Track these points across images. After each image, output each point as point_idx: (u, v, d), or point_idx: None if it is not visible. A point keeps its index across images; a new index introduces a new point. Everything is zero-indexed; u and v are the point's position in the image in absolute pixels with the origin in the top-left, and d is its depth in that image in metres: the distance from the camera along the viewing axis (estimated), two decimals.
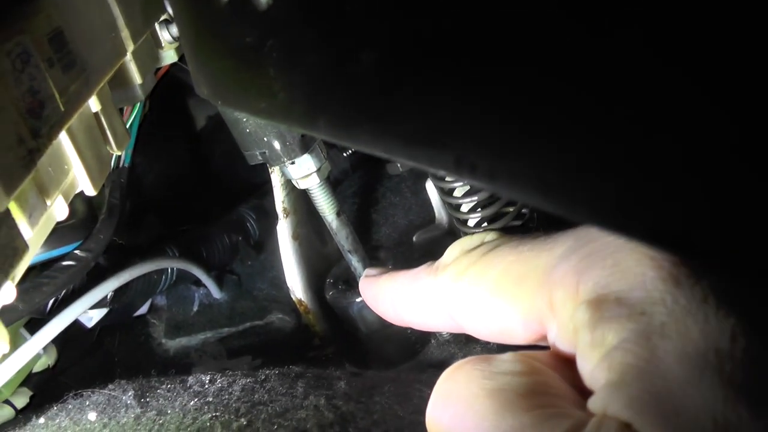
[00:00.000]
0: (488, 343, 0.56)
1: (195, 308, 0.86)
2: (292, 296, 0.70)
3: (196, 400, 0.51)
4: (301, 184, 0.60)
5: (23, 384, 0.71)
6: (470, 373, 0.30)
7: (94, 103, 0.48)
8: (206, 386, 0.53)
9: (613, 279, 0.26)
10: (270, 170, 0.66)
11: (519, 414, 0.26)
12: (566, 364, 0.30)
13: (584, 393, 0.27)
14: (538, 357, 0.30)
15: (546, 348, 0.32)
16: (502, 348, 0.37)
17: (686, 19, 0.19)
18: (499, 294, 0.32)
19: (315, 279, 0.72)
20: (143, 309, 0.86)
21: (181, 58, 0.63)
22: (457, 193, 0.53)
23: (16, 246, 0.35)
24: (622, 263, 0.27)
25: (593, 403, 0.25)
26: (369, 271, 0.45)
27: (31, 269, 0.63)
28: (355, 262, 0.64)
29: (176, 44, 0.62)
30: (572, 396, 0.28)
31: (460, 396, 0.29)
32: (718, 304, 0.23)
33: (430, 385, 0.51)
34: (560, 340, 0.29)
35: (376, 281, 0.43)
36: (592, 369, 0.26)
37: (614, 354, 0.25)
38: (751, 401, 0.21)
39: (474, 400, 0.28)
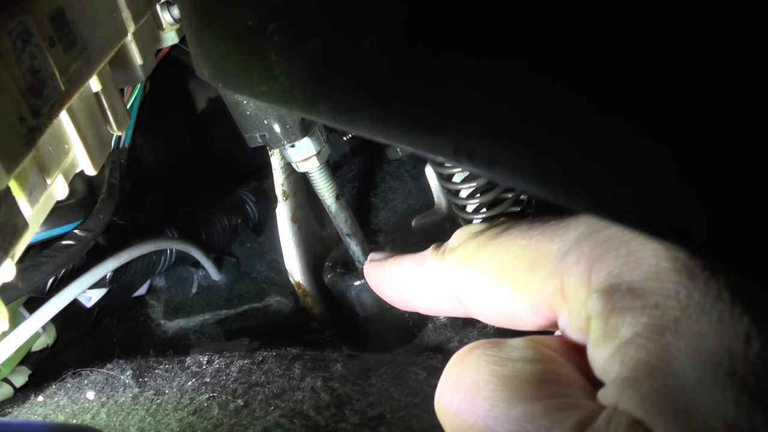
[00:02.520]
0: (485, 327, 0.56)
1: (194, 290, 0.86)
2: (290, 279, 0.71)
3: (193, 380, 0.51)
4: (301, 168, 0.60)
5: (22, 363, 0.72)
6: (480, 358, 0.29)
7: (94, 83, 0.48)
8: (204, 367, 0.53)
9: (626, 268, 0.26)
10: (270, 153, 0.66)
11: (529, 403, 0.26)
12: (575, 351, 0.29)
13: (593, 380, 0.27)
14: (548, 343, 0.30)
15: (551, 333, 0.32)
16: (500, 332, 0.37)
17: (681, 24, 0.19)
18: (510, 278, 0.32)
19: (313, 262, 0.72)
20: (142, 290, 0.86)
21: (182, 39, 0.63)
22: (456, 178, 0.53)
23: (15, 224, 0.35)
24: (637, 252, 0.26)
25: (604, 396, 0.25)
26: (374, 255, 0.45)
27: (30, 248, 0.63)
28: (353, 245, 0.65)
29: (177, 26, 0.62)
30: (582, 385, 0.28)
31: (470, 381, 0.29)
32: (733, 300, 0.23)
33: (426, 367, 0.52)
34: (570, 327, 0.29)
35: (381, 265, 0.42)
36: (603, 361, 0.26)
37: (627, 348, 0.24)
38: (763, 406, 0.21)
39: (484, 386, 0.28)
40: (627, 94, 0.20)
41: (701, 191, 0.20)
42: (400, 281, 0.41)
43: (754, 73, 0.18)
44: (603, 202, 0.21)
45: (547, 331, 0.32)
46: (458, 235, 0.37)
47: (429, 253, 0.38)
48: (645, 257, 0.26)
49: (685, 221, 0.20)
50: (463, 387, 0.29)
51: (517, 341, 0.30)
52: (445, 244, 0.38)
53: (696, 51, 0.19)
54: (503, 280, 0.32)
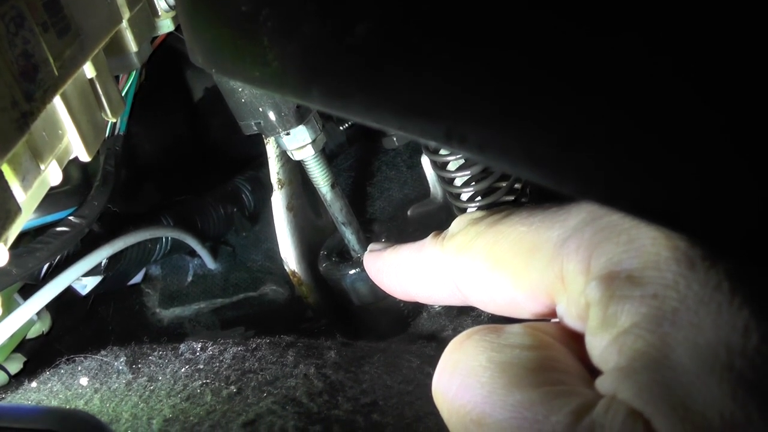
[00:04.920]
0: (479, 315, 0.56)
1: (189, 278, 0.86)
2: (285, 268, 0.71)
3: (187, 367, 0.52)
4: (296, 156, 0.60)
5: (17, 350, 0.72)
6: (478, 344, 0.29)
7: (89, 69, 0.48)
8: (197, 354, 0.53)
9: (626, 256, 0.26)
10: (265, 141, 0.66)
11: (527, 390, 0.26)
12: (573, 338, 0.29)
13: (590, 368, 0.27)
14: (546, 329, 0.30)
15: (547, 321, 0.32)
16: (495, 320, 0.37)
17: (669, 8, 0.19)
18: (509, 265, 0.32)
19: (309, 251, 0.72)
20: (137, 278, 0.86)
21: (178, 27, 0.63)
22: (451, 167, 0.53)
23: (8, 208, 0.35)
24: (637, 240, 0.26)
25: (602, 384, 0.25)
26: (373, 246, 0.44)
27: (24, 235, 0.63)
28: (348, 234, 0.65)
29: (173, 13, 0.61)
30: (580, 372, 0.28)
31: (467, 367, 0.29)
32: (732, 291, 0.23)
33: (420, 355, 0.52)
34: (569, 314, 0.29)
35: (380, 255, 0.42)
36: (602, 349, 0.26)
37: (625, 338, 0.24)
38: (760, 400, 0.21)
39: (482, 373, 0.28)
40: (617, 78, 0.20)
41: (696, 173, 0.20)
42: (399, 270, 0.40)
43: (749, 52, 0.18)
44: (594, 185, 0.21)
45: (544, 319, 0.32)
46: (458, 222, 0.37)
47: (428, 240, 0.38)
48: (645, 245, 0.26)
49: (678, 204, 0.20)
50: (461, 373, 0.29)
51: (515, 327, 0.30)
52: (444, 231, 0.38)
53: (685, 32, 0.19)
54: (502, 266, 0.32)
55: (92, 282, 0.77)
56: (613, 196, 0.21)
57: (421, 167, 0.75)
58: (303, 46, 0.29)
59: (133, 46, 0.56)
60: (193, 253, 0.86)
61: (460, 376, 0.29)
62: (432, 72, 0.25)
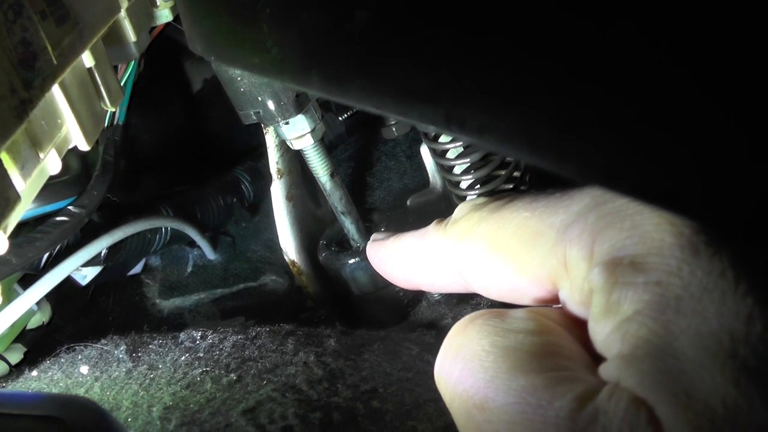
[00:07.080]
0: (479, 304, 0.56)
1: (189, 269, 0.86)
2: (285, 257, 0.71)
3: (187, 355, 0.52)
4: (295, 145, 0.60)
5: (17, 340, 0.72)
6: (482, 329, 0.29)
7: (87, 59, 0.48)
8: (197, 342, 0.53)
9: (630, 242, 0.26)
10: (264, 131, 0.66)
11: (531, 375, 0.26)
12: (576, 324, 0.29)
13: (593, 354, 0.27)
14: (549, 315, 0.30)
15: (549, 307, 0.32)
16: (495, 307, 0.37)
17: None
18: (511, 250, 0.32)
19: (308, 240, 0.72)
20: (137, 268, 0.86)
21: (177, 17, 0.63)
22: (450, 154, 0.53)
23: (7, 196, 0.35)
24: (641, 226, 0.26)
25: (605, 371, 0.25)
26: (376, 235, 0.44)
27: (24, 225, 0.63)
28: (348, 223, 0.65)
29: (171, 3, 0.61)
30: (583, 358, 0.28)
31: (471, 352, 0.29)
32: (736, 279, 0.23)
33: (419, 343, 0.52)
34: (572, 300, 0.29)
35: (383, 244, 0.42)
36: (605, 336, 0.26)
37: (628, 325, 0.25)
38: (763, 387, 0.21)
39: (485, 357, 0.28)
40: (615, 61, 0.20)
41: (695, 154, 0.20)
42: (402, 258, 0.40)
43: (745, 34, 0.18)
44: (593, 166, 0.21)
45: (547, 306, 0.32)
46: (461, 209, 0.37)
47: (431, 227, 0.38)
48: (649, 231, 0.26)
49: (678, 186, 0.20)
50: (464, 357, 0.29)
51: (518, 312, 0.30)
52: (447, 218, 0.38)
53: (681, 15, 0.19)
54: (505, 252, 0.32)
55: (92, 272, 0.77)
56: (614, 179, 0.21)
57: (421, 157, 0.75)
58: (302, 32, 0.29)
59: (131, 35, 0.56)
60: (192, 244, 0.86)
61: (462, 361, 0.29)
62: (431, 57, 0.25)
